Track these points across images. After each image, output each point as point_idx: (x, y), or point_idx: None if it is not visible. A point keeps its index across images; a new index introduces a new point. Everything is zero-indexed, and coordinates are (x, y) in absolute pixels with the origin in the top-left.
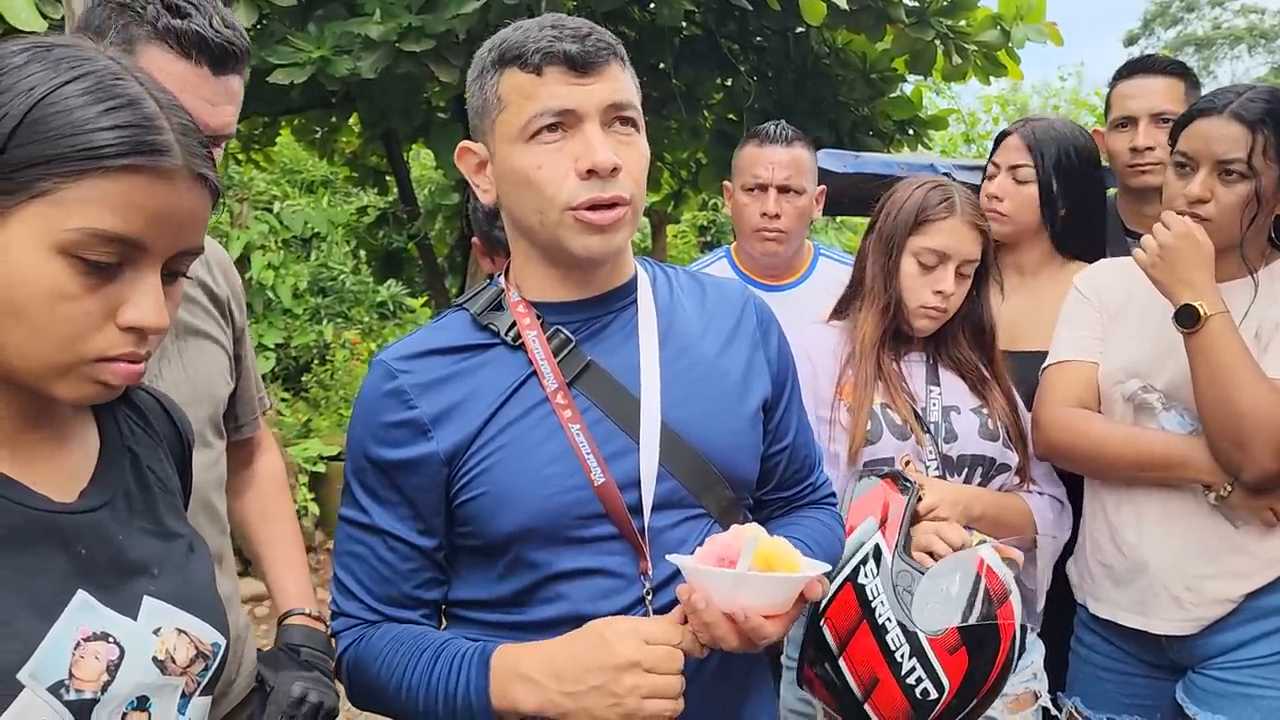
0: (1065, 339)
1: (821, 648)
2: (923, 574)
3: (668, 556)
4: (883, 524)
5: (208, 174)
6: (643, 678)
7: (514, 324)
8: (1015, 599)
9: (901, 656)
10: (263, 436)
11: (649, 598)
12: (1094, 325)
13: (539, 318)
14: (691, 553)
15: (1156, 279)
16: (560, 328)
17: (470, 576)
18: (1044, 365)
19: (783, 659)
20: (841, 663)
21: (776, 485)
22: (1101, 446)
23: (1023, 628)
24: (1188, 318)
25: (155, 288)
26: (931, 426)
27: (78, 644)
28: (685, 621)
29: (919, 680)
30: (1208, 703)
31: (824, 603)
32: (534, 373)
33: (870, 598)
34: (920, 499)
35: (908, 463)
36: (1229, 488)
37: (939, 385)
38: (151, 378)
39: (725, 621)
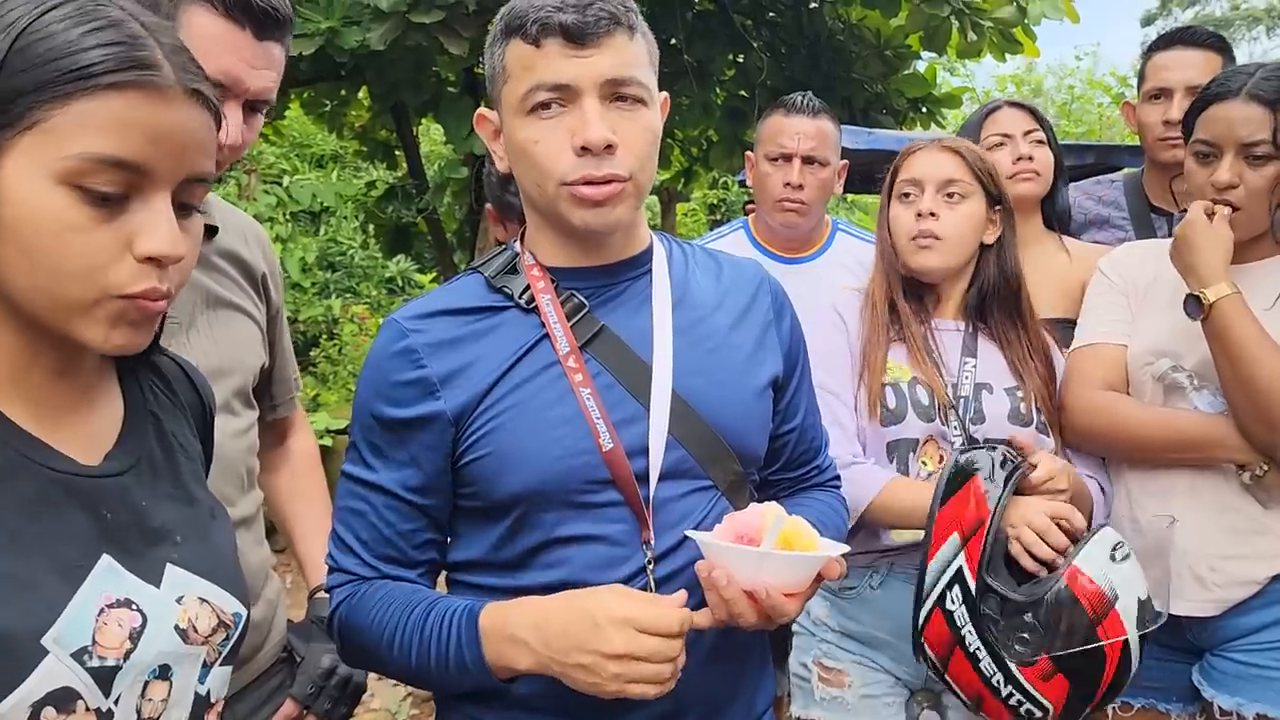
0: (1091, 322)
1: (928, 662)
2: (1009, 599)
3: (688, 533)
4: (966, 539)
5: (203, 90)
6: (629, 667)
7: (528, 287)
8: (1123, 604)
9: (998, 682)
10: (297, 415)
11: (650, 567)
12: (1120, 308)
13: (553, 282)
14: (700, 527)
15: (1176, 267)
16: (574, 292)
17: (470, 539)
18: (1070, 349)
19: (793, 626)
20: (947, 678)
21: (784, 465)
22: (1132, 428)
23: (1143, 638)
24: (1193, 306)
25: (167, 215)
26: (961, 402)
27: (101, 610)
28: (686, 603)
29: (1020, 703)
30: (1225, 685)
31: (919, 623)
32: (546, 335)
33: (959, 625)
34: (1024, 473)
35: (926, 441)
36: (1264, 467)
37: (975, 358)
38: (179, 346)
39: (745, 599)
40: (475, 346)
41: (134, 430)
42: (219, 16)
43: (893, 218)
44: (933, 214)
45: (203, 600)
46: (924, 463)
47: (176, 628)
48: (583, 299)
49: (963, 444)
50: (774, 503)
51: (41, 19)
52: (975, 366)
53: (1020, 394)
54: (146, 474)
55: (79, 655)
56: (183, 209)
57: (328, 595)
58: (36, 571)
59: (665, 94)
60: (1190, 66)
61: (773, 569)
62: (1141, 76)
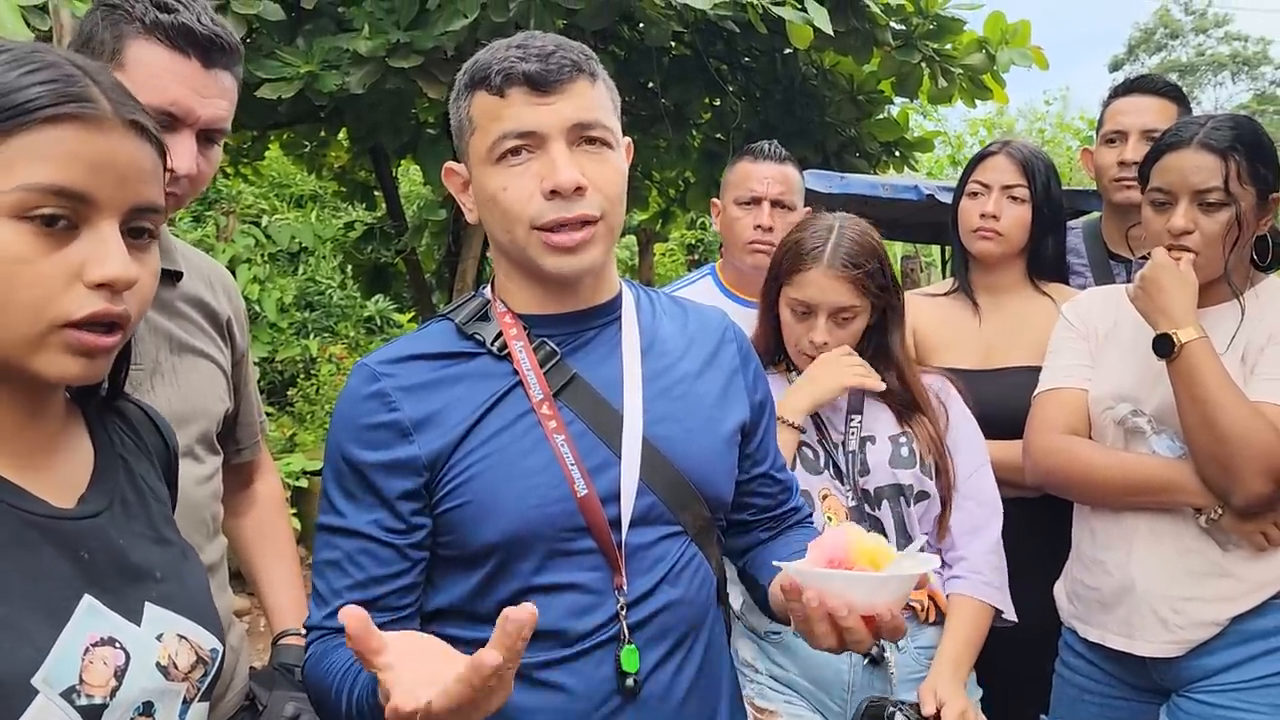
0: (1054, 367)
1: None
2: None
3: (776, 563)
4: None
5: (143, 122)
6: None
7: (500, 334)
8: None
9: None
10: (263, 459)
11: (624, 613)
12: (1082, 353)
13: (526, 329)
14: (671, 572)
15: (1139, 309)
16: (546, 339)
17: (445, 588)
18: (1034, 394)
19: (733, 611)
20: None
21: (763, 508)
22: (1093, 472)
23: None
24: (1163, 346)
25: (115, 241)
26: (849, 456)
27: (87, 649)
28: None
29: None
30: None
31: None
32: (519, 383)
33: None
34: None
35: (825, 497)
36: (1219, 511)
37: (861, 414)
38: (144, 392)
39: (863, 625)
40: (448, 392)
41: (105, 473)
42: (164, 48)
43: (786, 326)
44: (825, 341)
45: (181, 637)
46: (829, 517)
47: (158, 665)
48: (554, 346)
49: (853, 498)
50: (850, 522)
51: None
52: (861, 421)
53: (904, 440)
54: (120, 515)
55: (68, 694)
56: (136, 237)
57: (292, 642)
58: (21, 614)
59: (629, 139)
60: (1146, 112)
61: (890, 591)
62: (1100, 122)
